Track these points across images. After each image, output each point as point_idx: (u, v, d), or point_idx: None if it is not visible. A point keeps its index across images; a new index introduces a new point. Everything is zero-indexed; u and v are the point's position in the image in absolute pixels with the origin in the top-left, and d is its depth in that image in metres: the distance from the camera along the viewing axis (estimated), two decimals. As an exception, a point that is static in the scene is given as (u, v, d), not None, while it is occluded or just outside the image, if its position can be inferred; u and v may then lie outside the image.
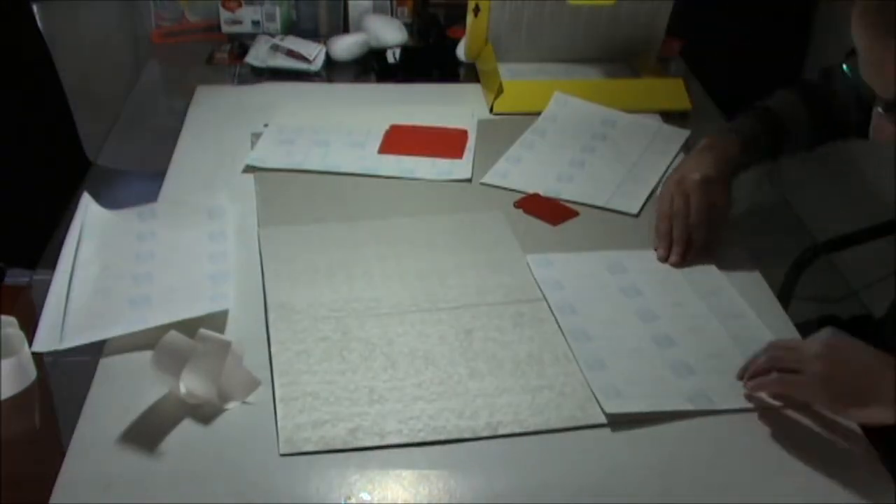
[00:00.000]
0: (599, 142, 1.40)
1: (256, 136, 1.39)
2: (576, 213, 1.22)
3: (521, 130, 1.42)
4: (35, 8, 1.65)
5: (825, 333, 0.86)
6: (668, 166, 1.33)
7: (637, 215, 1.22)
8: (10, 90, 1.48)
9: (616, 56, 1.65)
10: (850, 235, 1.35)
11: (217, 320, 0.98)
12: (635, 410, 0.88)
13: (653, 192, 1.27)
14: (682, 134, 1.42)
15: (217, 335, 0.88)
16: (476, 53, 1.65)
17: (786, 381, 0.86)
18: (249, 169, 1.30)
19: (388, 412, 0.88)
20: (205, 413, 0.87)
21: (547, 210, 1.22)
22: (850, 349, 0.84)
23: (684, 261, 1.11)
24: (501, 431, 0.86)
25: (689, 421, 0.89)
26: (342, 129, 1.41)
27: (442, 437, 0.85)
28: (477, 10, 1.58)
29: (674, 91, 1.55)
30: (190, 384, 0.86)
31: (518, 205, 1.23)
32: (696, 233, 1.11)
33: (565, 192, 1.26)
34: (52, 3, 1.99)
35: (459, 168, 1.32)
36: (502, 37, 1.60)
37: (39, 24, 1.65)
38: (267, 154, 1.34)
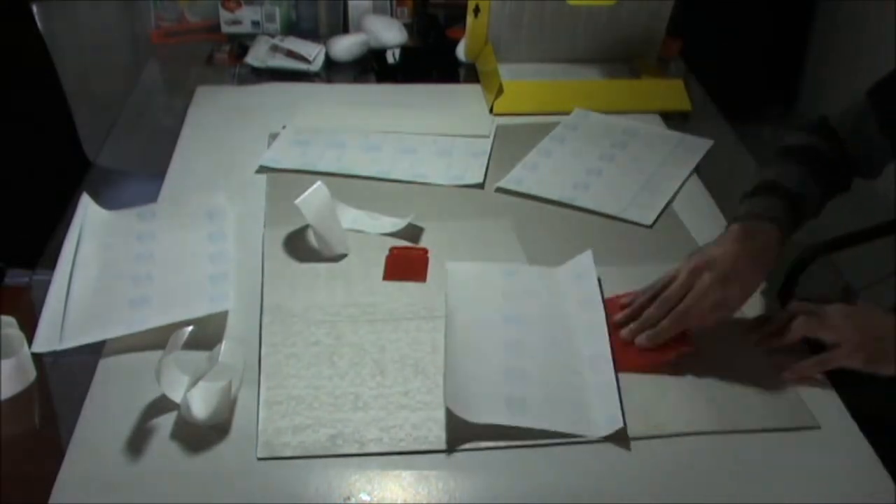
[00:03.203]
0: (619, 150, 1.38)
1: (273, 137, 1.39)
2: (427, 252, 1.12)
3: (539, 137, 1.40)
4: (35, 8, 1.65)
5: (840, 305, 0.95)
6: (687, 177, 1.32)
7: (651, 226, 1.20)
8: (10, 90, 1.48)
9: (616, 56, 1.65)
10: (850, 235, 1.35)
11: (216, 321, 0.98)
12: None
13: (669, 202, 1.25)
14: (704, 144, 1.41)
15: (233, 358, 0.89)
16: (476, 54, 1.65)
17: (825, 360, 0.93)
18: (263, 169, 1.30)
19: (371, 420, 0.87)
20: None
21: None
22: (867, 312, 0.94)
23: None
24: (484, 445, 0.85)
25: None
26: (359, 131, 1.41)
27: (423, 448, 0.84)
28: (477, 10, 1.58)
29: (674, 92, 1.55)
30: (195, 407, 0.86)
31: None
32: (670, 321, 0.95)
33: (580, 199, 1.25)
34: (52, 3, 1.99)
35: (472, 173, 1.30)
36: (502, 37, 1.60)
37: (39, 24, 1.64)
38: (281, 155, 1.33)
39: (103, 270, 1.06)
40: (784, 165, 1.06)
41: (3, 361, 0.87)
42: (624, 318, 0.98)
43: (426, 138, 1.40)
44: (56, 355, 0.93)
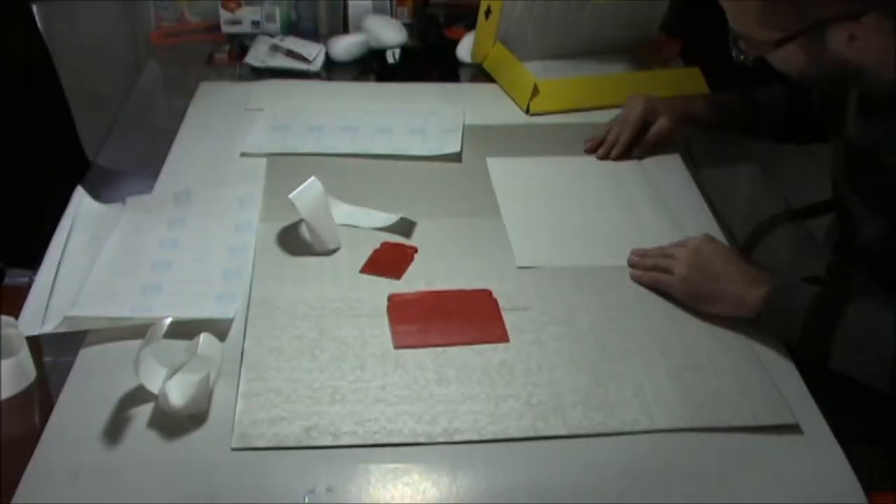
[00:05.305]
0: None
1: (252, 121, 1.41)
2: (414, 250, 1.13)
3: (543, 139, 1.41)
4: (35, 8, 1.65)
5: (696, 239, 1.05)
6: None
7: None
8: (10, 90, 1.48)
9: (618, 48, 1.64)
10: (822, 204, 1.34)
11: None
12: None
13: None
14: None
15: (211, 351, 0.89)
16: (483, 55, 1.64)
17: (654, 278, 1.06)
18: (245, 156, 1.32)
19: (347, 413, 0.87)
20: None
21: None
22: (711, 255, 1.02)
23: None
24: (458, 438, 0.85)
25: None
26: (335, 113, 1.44)
27: (396, 441, 0.85)
28: (489, 12, 1.57)
29: (693, 79, 1.56)
30: (172, 398, 0.86)
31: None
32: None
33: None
34: (52, 3, 1.99)
35: (448, 144, 1.35)
36: (511, 36, 1.59)
37: (39, 24, 1.65)
38: (262, 141, 1.36)
39: (127, 254, 1.07)
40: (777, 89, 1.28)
41: (3, 361, 0.86)
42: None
43: (400, 116, 1.43)
44: (56, 356, 0.93)
